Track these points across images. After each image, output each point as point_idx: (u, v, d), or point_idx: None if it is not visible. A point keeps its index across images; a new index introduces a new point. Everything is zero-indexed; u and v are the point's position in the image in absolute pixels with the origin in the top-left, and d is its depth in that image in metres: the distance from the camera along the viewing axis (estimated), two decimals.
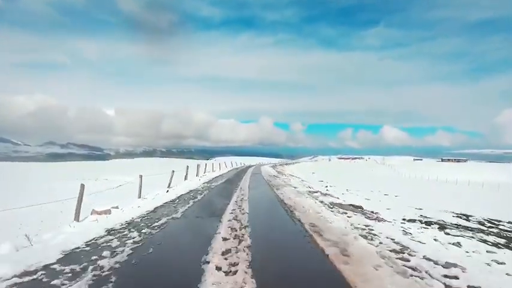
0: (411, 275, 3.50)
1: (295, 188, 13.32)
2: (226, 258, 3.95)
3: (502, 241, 6.32)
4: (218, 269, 3.60)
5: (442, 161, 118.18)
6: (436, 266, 3.86)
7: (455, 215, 10.42)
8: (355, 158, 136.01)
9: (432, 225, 7.44)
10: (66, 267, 3.63)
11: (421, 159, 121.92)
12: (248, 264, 3.76)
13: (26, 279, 3.31)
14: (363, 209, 8.75)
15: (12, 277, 3.31)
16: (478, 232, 7.19)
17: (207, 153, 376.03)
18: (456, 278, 3.50)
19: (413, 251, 4.40)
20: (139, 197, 9.87)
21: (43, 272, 3.49)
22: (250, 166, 41.68)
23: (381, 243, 4.79)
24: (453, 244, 5.22)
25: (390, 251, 4.38)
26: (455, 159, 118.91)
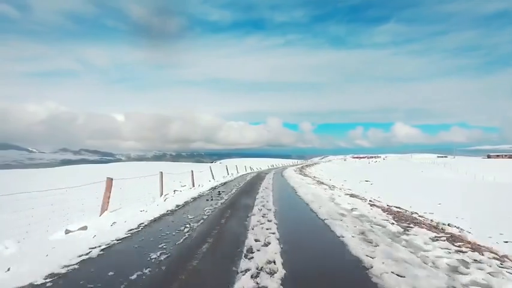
0: None
1: None
2: None
3: None
4: None
5: (488, 157, 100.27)
6: None
7: None
8: (372, 157, 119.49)
9: None
10: None
11: (446, 157, 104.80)
12: None
13: None
14: None
15: None
16: None
17: (217, 156, 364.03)
18: None
19: None
20: None
21: None
22: (261, 175, 24.16)
23: None
24: None
25: None
26: (506, 155, 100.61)
